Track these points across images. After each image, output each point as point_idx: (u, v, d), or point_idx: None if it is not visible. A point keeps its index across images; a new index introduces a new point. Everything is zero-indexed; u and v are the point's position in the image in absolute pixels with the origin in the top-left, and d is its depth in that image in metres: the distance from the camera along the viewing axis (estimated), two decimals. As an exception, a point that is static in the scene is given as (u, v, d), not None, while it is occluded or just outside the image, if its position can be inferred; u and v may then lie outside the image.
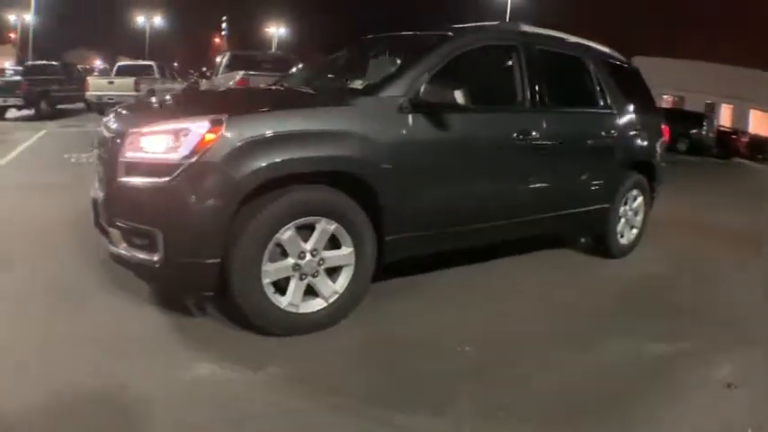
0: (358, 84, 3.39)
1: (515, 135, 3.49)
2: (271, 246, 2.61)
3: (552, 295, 3.69)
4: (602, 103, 4.33)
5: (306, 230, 2.72)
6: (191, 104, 3.42)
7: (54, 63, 16.43)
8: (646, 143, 4.78)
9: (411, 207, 3.00)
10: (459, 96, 3.18)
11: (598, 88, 4.32)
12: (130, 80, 18.47)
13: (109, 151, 2.77)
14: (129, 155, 2.60)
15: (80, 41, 57.66)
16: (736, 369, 2.83)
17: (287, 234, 2.63)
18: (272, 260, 2.65)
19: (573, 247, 4.78)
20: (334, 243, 2.82)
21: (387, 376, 2.49)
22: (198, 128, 2.48)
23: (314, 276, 2.76)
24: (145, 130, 2.60)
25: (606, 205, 4.36)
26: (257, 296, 2.60)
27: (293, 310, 2.72)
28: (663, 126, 5.12)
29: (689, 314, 3.54)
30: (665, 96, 34.29)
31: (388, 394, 2.34)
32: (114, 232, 2.70)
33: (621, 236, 4.67)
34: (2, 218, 4.51)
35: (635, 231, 4.81)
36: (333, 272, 2.85)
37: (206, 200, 2.47)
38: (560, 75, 4.08)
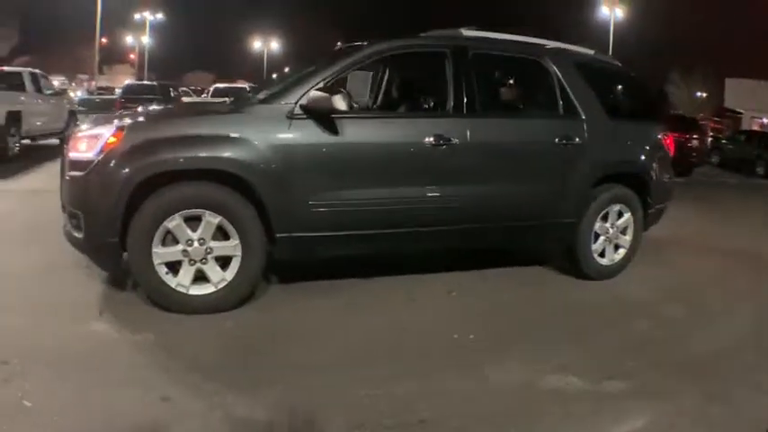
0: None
1: (428, 141, 3.72)
2: (160, 232, 3.23)
3: (483, 312, 3.73)
4: (563, 109, 4.36)
5: (198, 221, 3.29)
6: (124, 115, 4.09)
7: (152, 83, 18.71)
8: (633, 154, 4.70)
9: (301, 207, 3.42)
10: (364, 101, 3.58)
11: (560, 93, 4.35)
12: (218, 100, 20.63)
13: (65, 152, 3.55)
14: (71, 154, 3.40)
15: (199, 64, 64.11)
16: (645, 427, 2.57)
17: (173, 223, 3.24)
18: (165, 245, 3.27)
19: (555, 265, 4.74)
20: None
21: (241, 358, 2.92)
22: (106, 132, 3.24)
23: (203, 263, 3.30)
24: (79, 135, 3.42)
25: (571, 220, 4.35)
26: (149, 274, 3.26)
27: (183, 290, 3.31)
28: (662, 137, 4.96)
29: (635, 351, 3.23)
30: (764, 120, 32.28)
31: (229, 373, 2.73)
32: (65, 215, 3.53)
33: (601, 255, 4.58)
34: (43, 214, 5.57)
35: (622, 252, 4.67)
36: (227, 261, 3.36)
37: (106, 188, 3.18)
38: (507, 79, 4.30)
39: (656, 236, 5.34)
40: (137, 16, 45.55)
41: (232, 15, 61.04)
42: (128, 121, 3.37)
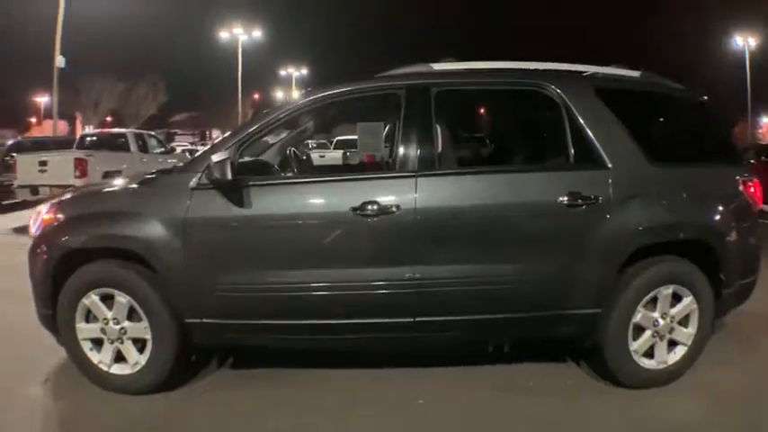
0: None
1: (355, 210, 3.27)
2: (80, 308, 3.41)
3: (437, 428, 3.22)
4: (575, 154, 3.55)
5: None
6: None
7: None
8: (692, 213, 3.64)
9: (207, 291, 3.28)
10: (282, 165, 3.55)
11: (570, 132, 3.56)
12: (339, 153, 21.92)
13: None
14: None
15: (348, 117, 68.57)
16: None
17: (90, 300, 3.41)
18: (88, 321, 3.45)
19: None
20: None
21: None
22: (44, 210, 3.59)
23: (120, 343, 3.42)
24: (35, 211, 3.75)
25: (590, 310, 3.49)
26: (74, 348, 3.46)
27: (104, 368, 3.45)
28: (744, 185, 3.85)
29: None
30: None
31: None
32: None
33: (649, 355, 3.63)
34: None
35: (681, 350, 3.64)
36: (145, 343, 3.41)
37: (39, 264, 3.47)
38: (489, 119, 3.79)
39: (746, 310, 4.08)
40: (283, 73, 50.33)
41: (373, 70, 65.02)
42: (62, 197, 3.68)
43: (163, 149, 13.57)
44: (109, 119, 41.67)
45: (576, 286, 3.45)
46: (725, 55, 38.66)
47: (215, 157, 3.16)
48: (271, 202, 3.36)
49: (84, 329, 3.42)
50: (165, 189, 3.44)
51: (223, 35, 37.42)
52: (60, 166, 10.28)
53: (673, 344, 3.66)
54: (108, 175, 10.48)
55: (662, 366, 3.63)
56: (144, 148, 12.61)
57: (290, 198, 3.41)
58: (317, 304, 3.35)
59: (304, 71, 50.40)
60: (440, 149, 3.47)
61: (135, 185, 3.58)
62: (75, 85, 34.82)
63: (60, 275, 3.39)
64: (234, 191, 3.28)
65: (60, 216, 3.50)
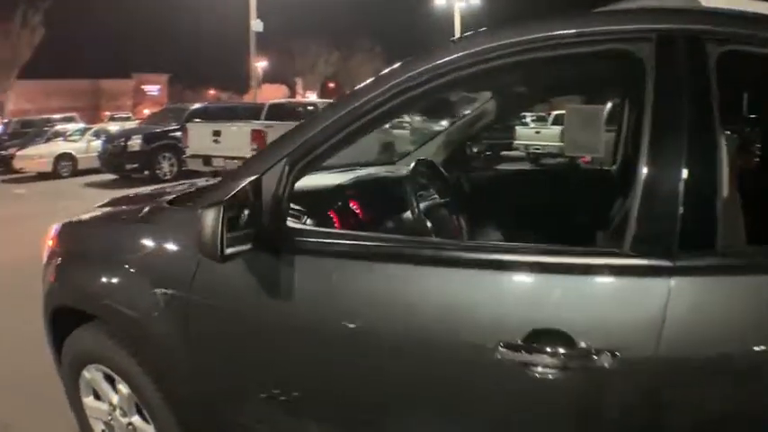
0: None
1: (508, 346, 1.37)
2: (83, 381, 2.45)
3: None
4: None
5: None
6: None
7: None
8: None
9: (226, 421, 1.93)
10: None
11: None
12: (557, 130, 19.73)
13: None
14: None
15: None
16: None
17: (89, 375, 2.40)
18: (98, 397, 2.46)
19: None
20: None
21: None
22: (52, 232, 2.57)
23: None
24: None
25: None
26: (83, 425, 2.58)
27: None
28: None
29: None
30: None
31: None
32: None
33: None
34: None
35: None
36: None
37: (44, 308, 2.51)
38: None
39: None
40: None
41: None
42: (71, 218, 2.60)
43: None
44: (332, 85, 43.40)
45: None
46: None
47: (208, 203, 1.56)
48: (335, 290, 1.65)
49: (93, 408, 2.46)
50: (167, 232, 2.02)
51: (439, 2, 36.56)
52: (236, 138, 9.91)
53: None
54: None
55: None
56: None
57: (369, 289, 1.61)
58: None
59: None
60: (724, 195, 1.36)
61: (140, 214, 2.19)
62: (290, 50, 36.16)
63: (60, 330, 2.44)
64: (270, 259, 1.69)
65: (57, 249, 2.48)
